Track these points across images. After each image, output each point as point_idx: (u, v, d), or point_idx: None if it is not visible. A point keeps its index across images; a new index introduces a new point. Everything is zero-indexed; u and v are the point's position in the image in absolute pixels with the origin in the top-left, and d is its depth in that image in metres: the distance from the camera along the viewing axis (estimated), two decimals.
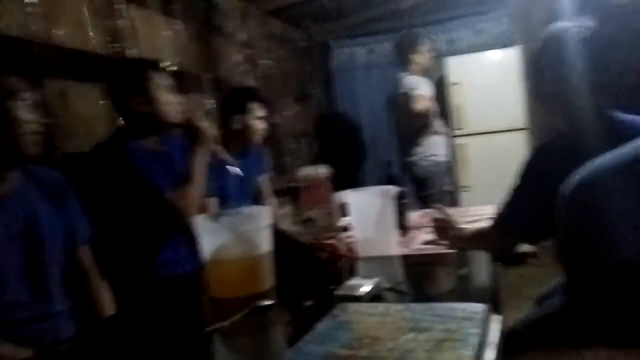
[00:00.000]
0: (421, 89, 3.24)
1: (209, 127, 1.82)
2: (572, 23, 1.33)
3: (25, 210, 1.31)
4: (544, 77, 1.38)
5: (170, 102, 1.79)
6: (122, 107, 1.77)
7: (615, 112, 1.33)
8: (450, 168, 3.49)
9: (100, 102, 2.16)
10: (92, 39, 2.21)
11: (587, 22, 1.27)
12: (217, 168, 2.23)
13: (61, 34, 2.04)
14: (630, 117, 1.31)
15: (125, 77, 1.76)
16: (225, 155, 2.00)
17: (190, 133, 1.79)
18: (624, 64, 1.15)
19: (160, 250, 1.79)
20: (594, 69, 1.28)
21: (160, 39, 2.70)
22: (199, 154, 1.77)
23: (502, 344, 0.79)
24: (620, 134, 1.26)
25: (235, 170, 2.08)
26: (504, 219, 1.43)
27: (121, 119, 1.82)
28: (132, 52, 2.46)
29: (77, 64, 2.10)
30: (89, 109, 2.12)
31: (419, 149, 3.38)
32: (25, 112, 1.28)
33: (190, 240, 1.88)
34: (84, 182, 1.69)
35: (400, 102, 3.37)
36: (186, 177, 1.74)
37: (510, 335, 0.81)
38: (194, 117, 1.84)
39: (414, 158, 3.38)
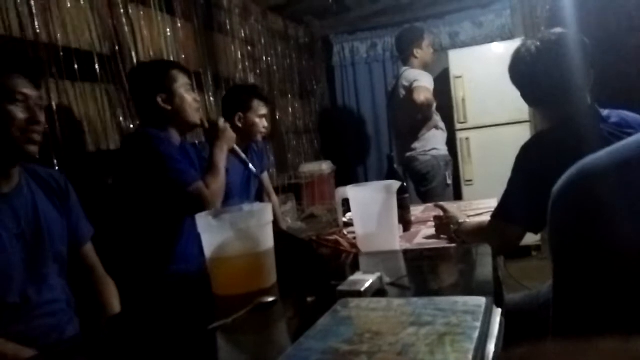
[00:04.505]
0: (422, 81, 3.23)
1: (229, 127, 2.01)
2: (564, 29, 1.43)
3: (29, 207, 1.34)
4: (540, 79, 1.45)
5: (192, 101, 1.92)
6: (147, 103, 1.87)
7: (599, 108, 1.43)
8: (449, 162, 3.48)
9: (102, 101, 2.18)
10: (93, 38, 2.21)
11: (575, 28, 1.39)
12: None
13: (61, 33, 2.04)
14: (613, 112, 1.41)
15: (154, 76, 1.89)
16: (243, 154, 2.17)
17: (213, 132, 1.95)
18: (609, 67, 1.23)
19: (175, 244, 1.85)
20: (586, 70, 1.37)
21: (161, 37, 2.70)
22: (221, 149, 1.92)
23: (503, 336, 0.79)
24: (604, 128, 1.35)
25: (253, 169, 2.27)
26: (503, 210, 1.46)
27: (143, 115, 1.95)
28: (133, 51, 2.46)
29: (78, 64, 2.11)
30: (90, 109, 2.12)
31: (419, 144, 3.37)
32: (24, 111, 1.28)
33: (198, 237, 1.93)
34: (113, 174, 1.93)
35: (401, 95, 3.35)
36: (210, 168, 1.87)
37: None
38: (217, 119, 2.04)
39: (414, 153, 3.37)
